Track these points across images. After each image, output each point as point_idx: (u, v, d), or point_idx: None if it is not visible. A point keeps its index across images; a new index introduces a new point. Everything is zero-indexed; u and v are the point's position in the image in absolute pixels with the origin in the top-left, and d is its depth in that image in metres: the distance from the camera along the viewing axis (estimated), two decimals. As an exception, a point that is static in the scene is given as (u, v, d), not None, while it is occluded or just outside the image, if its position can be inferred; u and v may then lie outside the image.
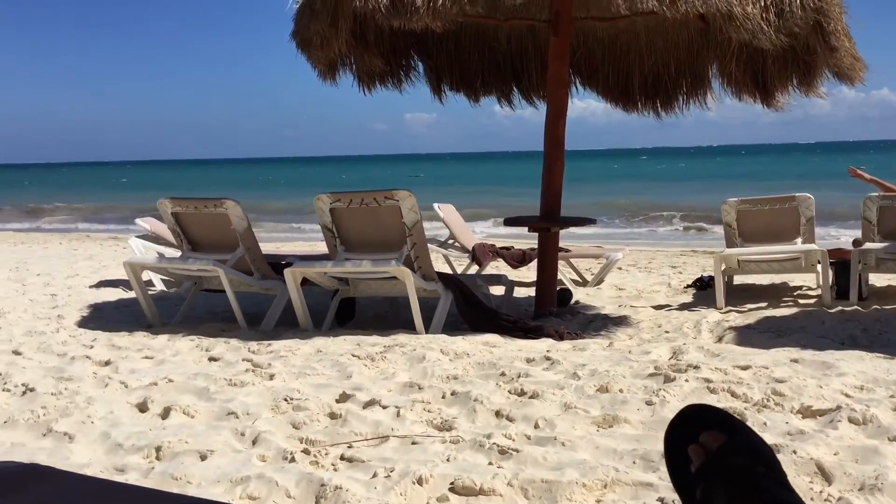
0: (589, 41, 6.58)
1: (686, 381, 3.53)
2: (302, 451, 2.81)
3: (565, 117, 5.73)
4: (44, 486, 1.40)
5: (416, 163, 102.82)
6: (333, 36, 4.75)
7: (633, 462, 2.62)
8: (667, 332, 5.30)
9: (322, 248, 10.92)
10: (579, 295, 7.01)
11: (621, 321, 5.75)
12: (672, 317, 5.83)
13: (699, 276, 7.50)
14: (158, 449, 2.91)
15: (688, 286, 7.35)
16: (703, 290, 6.99)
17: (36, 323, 5.53)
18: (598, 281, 7.56)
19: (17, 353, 4.58)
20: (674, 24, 6.02)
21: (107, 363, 4.33)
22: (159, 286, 7.23)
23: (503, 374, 3.78)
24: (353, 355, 4.27)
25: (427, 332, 4.88)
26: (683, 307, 6.29)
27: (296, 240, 15.26)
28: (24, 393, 3.74)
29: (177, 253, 7.11)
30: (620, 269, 8.86)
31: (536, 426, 3.04)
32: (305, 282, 5.25)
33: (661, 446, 2.69)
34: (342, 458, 2.78)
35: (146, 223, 7.56)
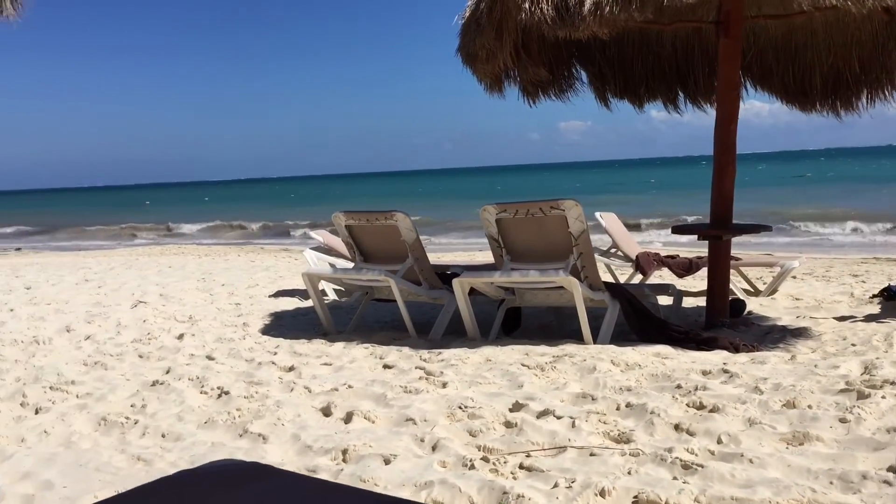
0: (760, 41, 6.29)
1: (883, 397, 3.29)
2: (481, 459, 2.87)
3: (737, 121, 5.51)
4: (266, 483, 1.52)
5: (571, 171, 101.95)
6: (499, 49, 4.82)
7: (830, 482, 2.48)
8: (854, 345, 4.96)
9: (480, 258, 11.11)
10: (752, 305, 6.70)
11: (801, 333, 5.43)
12: (858, 329, 5.45)
13: (886, 285, 6.97)
14: (345, 452, 3.05)
15: (874, 296, 6.85)
16: (891, 300, 6.49)
17: (224, 330, 5.94)
18: (772, 290, 7.19)
19: (210, 358, 4.95)
20: (855, 19, 5.65)
21: (290, 369, 4.59)
22: (331, 296, 7.58)
23: (679, 386, 3.68)
24: (523, 365, 4.30)
25: (595, 343, 4.83)
26: (870, 318, 5.87)
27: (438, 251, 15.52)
28: (219, 396, 4.03)
29: (348, 264, 7.45)
30: (795, 277, 8.38)
31: (720, 441, 2.94)
32: (471, 291, 5.34)
33: (860, 466, 2.54)
34: (521, 466, 2.81)
35: (320, 236, 7.95)
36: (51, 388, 4.27)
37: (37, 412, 3.89)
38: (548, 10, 4.23)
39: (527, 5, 4.29)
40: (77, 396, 4.12)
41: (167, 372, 4.60)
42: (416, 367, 4.44)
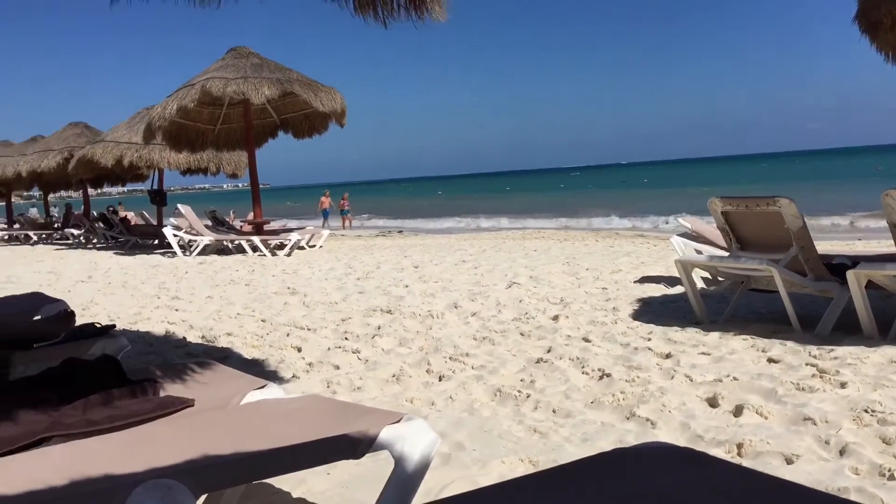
0: None
1: None
2: (904, 470, 2.59)
3: None
4: (710, 469, 1.52)
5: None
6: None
7: None
8: None
9: (860, 247, 9.98)
10: None
11: None
12: None
13: None
14: (740, 446, 2.96)
15: None
16: None
17: (595, 314, 6.09)
18: None
19: (586, 340, 5.11)
20: None
21: (668, 356, 4.56)
22: (699, 284, 7.37)
23: None
24: (939, 370, 3.80)
25: None
26: None
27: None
28: (601, 377, 4.15)
29: (716, 251, 7.18)
30: None
31: None
32: (869, 285, 4.83)
33: None
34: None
35: (687, 222, 7.78)
36: (450, 358, 4.75)
37: (440, 379, 4.35)
38: None
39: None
40: (472, 368, 4.53)
41: (548, 351, 4.84)
42: (805, 364, 4.15)
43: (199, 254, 14.16)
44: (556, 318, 5.95)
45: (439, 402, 3.90)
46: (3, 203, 28.93)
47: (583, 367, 4.36)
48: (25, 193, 33.76)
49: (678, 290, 7.04)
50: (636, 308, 6.32)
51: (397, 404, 3.85)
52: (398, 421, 2.25)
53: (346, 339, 5.50)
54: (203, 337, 5.74)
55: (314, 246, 15.36)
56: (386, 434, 2.19)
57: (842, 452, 2.84)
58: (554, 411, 3.63)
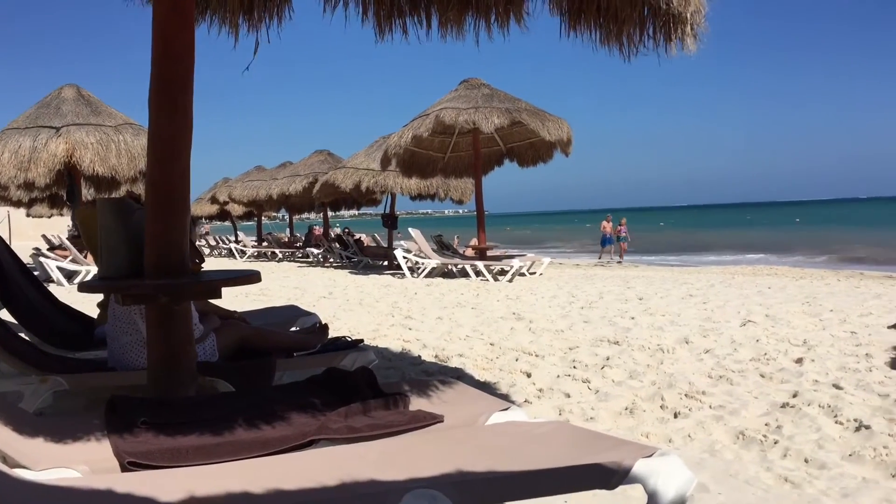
0: None
1: None
2: None
3: None
4: None
5: None
6: None
7: None
8: None
9: None
10: None
11: None
12: None
13: None
14: None
15: None
16: None
17: (846, 359, 5.61)
18: None
19: (837, 387, 4.73)
20: None
21: (937, 412, 4.11)
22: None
23: None
24: None
25: None
26: None
27: None
28: (857, 429, 3.82)
29: None
30: None
31: None
32: None
33: None
34: None
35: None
36: (685, 395, 4.59)
37: (676, 416, 4.22)
38: None
39: None
40: (710, 407, 4.35)
41: (794, 395, 4.54)
42: None
43: (426, 276, 14.77)
44: (799, 360, 5.57)
45: (676, 439, 3.79)
46: (255, 222, 32.00)
47: (835, 416, 4.04)
48: (273, 214, 37.04)
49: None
50: (894, 356, 5.76)
51: (633, 438, 3.79)
52: (652, 455, 2.21)
53: (574, 367, 5.50)
54: (436, 356, 5.98)
55: (534, 273, 15.50)
56: (640, 467, 2.16)
57: None
58: (806, 461, 3.40)
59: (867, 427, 3.80)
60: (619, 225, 24.27)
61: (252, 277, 3.49)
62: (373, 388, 3.29)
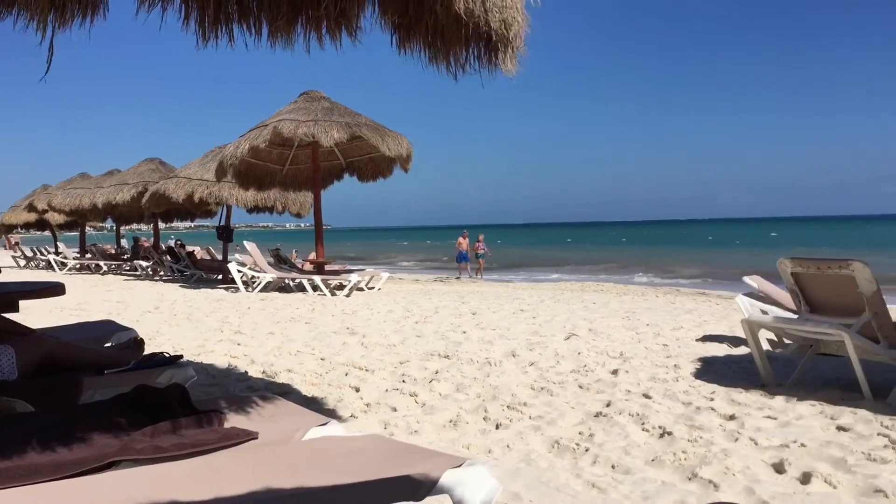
0: None
1: None
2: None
3: None
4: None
5: None
6: None
7: None
8: None
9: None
10: None
11: None
12: None
13: None
14: (808, 514, 2.87)
15: None
16: None
17: (656, 370, 5.99)
18: None
19: (647, 396, 5.03)
20: None
21: (731, 417, 4.46)
22: (764, 346, 7.19)
23: None
24: None
25: None
26: None
27: None
28: (661, 435, 4.07)
29: (783, 312, 7.00)
30: None
31: None
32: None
33: None
34: None
35: (754, 282, 7.63)
36: (507, 407, 4.72)
37: (497, 427, 4.33)
38: None
39: None
40: (530, 418, 4.49)
41: (607, 405, 4.78)
42: (877, 434, 4.01)
43: (262, 290, 14.41)
44: (615, 372, 5.88)
45: (496, 450, 3.88)
46: (78, 233, 30.04)
47: (643, 424, 4.29)
48: (99, 224, 34.96)
49: (742, 350, 6.89)
50: (698, 367, 6.20)
51: (454, 450, 3.85)
52: (460, 465, 2.25)
53: (403, 381, 5.53)
54: (264, 372, 5.83)
55: (373, 288, 15.50)
56: (447, 478, 2.19)
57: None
58: (613, 467, 3.58)
59: (670, 433, 4.06)
60: (477, 241, 24.37)
61: (54, 290, 3.26)
62: (185, 405, 3.14)
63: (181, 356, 4.61)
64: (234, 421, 3.05)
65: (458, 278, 23.21)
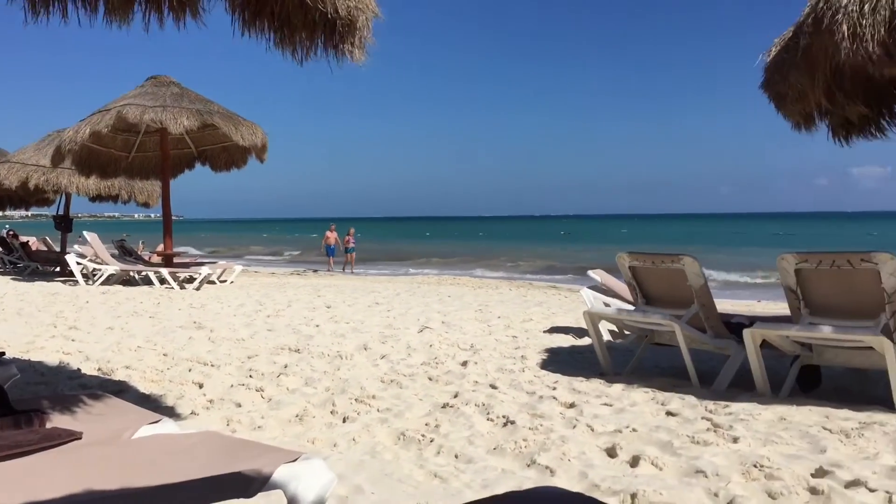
0: None
1: None
2: (787, 524, 2.69)
3: None
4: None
5: (865, 221, 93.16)
6: (811, 88, 4.57)
7: None
8: None
9: (759, 309, 10.43)
10: None
11: None
12: None
13: None
14: (634, 496, 3.01)
15: None
16: None
17: (504, 361, 6.14)
18: None
19: (493, 386, 5.14)
20: None
21: (571, 405, 4.63)
22: (605, 336, 7.53)
23: None
24: (824, 428, 3.97)
25: (910, 413, 4.33)
26: None
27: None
28: (505, 424, 4.17)
29: (625, 305, 7.36)
30: None
31: None
32: (762, 344, 5.04)
33: None
34: (831, 538, 2.59)
35: (597, 275, 7.96)
36: (356, 400, 4.70)
37: (344, 420, 4.30)
38: (874, 48, 3.93)
39: (847, 44, 4.01)
40: (378, 410, 4.49)
41: (455, 396, 4.85)
42: (702, 418, 4.27)
43: (103, 283, 13.66)
44: (465, 363, 5.97)
45: (342, 443, 3.85)
46: None
47: (488, 414, 4.37)
48: (-80, 212, 31.96)
49: (586, 341, 7.18)
50: (544, 357, 6.41)
51: (298, 444, 3.78)
52: (295, 460, 2.20)
53: (250, 376, 5.38)
54: (99, 369, 5.52)
55: (225, 281, 15.03)
56: (281, 473, 2.14)
57: (730, 504, 2.93)
58: (456, 456, 3.63)
59: (513, 422, 4.16)
60: (347, 235, 23.61)
61: None
62: (2, 405, 2.92)
63: (3, 353, 4.29)
64: (57, 421, 2.87)
65: (330, 272, 22.78)
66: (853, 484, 3.10)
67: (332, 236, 23.88)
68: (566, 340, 7.42)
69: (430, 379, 5.40)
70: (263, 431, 4.04)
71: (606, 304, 7.53)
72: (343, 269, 23.58)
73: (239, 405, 4.59)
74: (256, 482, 2.11)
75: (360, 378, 5.35)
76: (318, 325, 8.06)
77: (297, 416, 4.35)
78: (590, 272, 8.13)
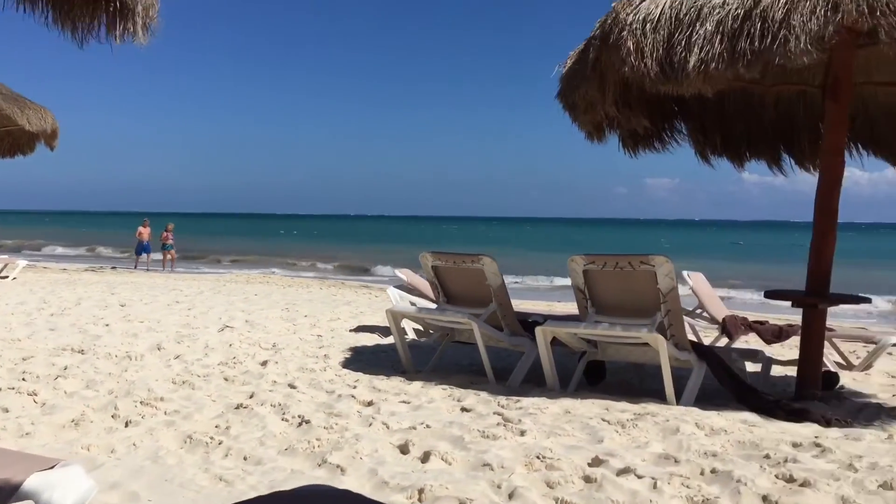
0: (870, 108, 6.12)
1: None
2: (560, 512, 2.82)
3: (840, 187, 5.35)
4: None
5: (657, 228, 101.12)
6: (599, 101, 4.85)
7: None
8: (956, 429, 4.68)
9: (559, 308, 11.00)
10: (845, 379, 6.41)
11: (899, 412, 5.17)
12: (961, 412, 5.15)
13: None
14: (421, 491, 3.05)
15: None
16: None
17: (306, 360, 6.04)
18: (867, 366, 6.85)
19: (292, 386, 5.04)
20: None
21: (369, 404, 4.63)
22: (410, 334, 7.62)
23: (767, 456, 3.55)
24: (603, 419, 4.22)
25: (678, 404, 4.71)
26: (976, 402, 5.54)
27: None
28: (300, 424, 4.09)
29: (430, 304, 7.48)
30: (891, 354, 7.99)
31: (811, 517, 2.82)
32: (553, 341, 5.29)
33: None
34: (600, 523, 2.75)
35: (404, 274, 8.05)
36: (141, 402, 4.43)
37: (126, 425, 4.03)
38: (652, 65, 4.24)
39: (631, 59, 4.30)
40: (165, 413, 4.26)
41: (251, 396, 4.70)
42: (494, 413, 4.41)
43: None
44: (265, 363, 5.82)
45: (120, 449, 3.61)
46: None
47: (283, 414, 4.27)
48: None
49: (391, 340, 7.21)
50: (348, 356, 6.37)
51: (70, 452, 3.50)
52: (52, 468, 2.03)
53: (23, 379, 4.93)
54: None
55: (6, 277, 13.77)
56: (33, 482, 1.96)
57: (511, 496, 3.03)
58: (245, 458, 3.51)
59: (308, 422, 4.09)
60: (165, 231, 21.72)
61: None
62: None
63: None
64: None
65: (147, 269, 21.18)
66: (624, 471, 3.31)
67: (144, 232, 21.99)
68: (371, 339, 7.43)
69: (225, 379, 5.21)
70: (32, 438, 3.70)
71: (413, 303, 7.63)
72: (163, 268, 21.78)
73: (6, 410, 4.19)
74: (4, 492, 1.92)
75: (148, 380, 5.06)
76: (107, 325, 7.55)
77: (72, 421, 4.03)
78: (396, 271, 8.20)
